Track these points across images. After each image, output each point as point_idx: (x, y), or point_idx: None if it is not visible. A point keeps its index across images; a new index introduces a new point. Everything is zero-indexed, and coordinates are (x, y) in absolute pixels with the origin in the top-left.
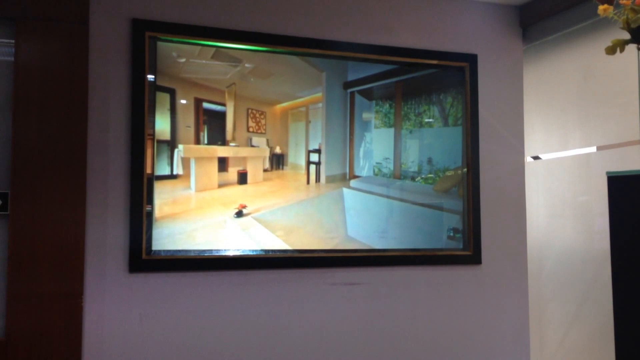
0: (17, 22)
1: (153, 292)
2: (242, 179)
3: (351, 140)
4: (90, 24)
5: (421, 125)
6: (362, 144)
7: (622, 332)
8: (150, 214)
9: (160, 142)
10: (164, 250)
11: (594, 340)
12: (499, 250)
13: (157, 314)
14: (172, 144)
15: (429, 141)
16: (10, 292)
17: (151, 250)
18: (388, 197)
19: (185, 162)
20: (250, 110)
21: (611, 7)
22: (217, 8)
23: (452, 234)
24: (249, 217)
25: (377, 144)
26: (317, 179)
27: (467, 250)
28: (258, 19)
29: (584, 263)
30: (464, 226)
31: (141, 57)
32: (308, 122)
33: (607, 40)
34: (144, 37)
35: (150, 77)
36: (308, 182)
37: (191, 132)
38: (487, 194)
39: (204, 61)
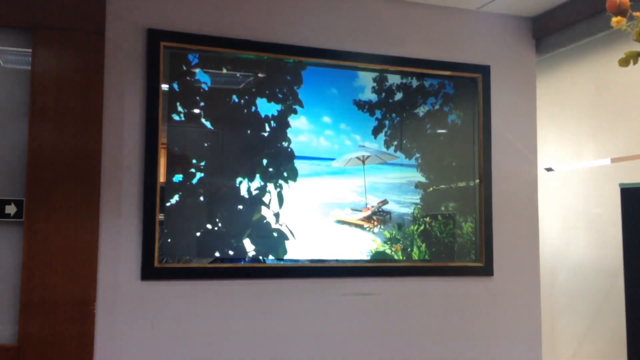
0: (34, 31)
1: (165, 300)
2: None
3: None
4: (106, 34)
5: None
6: None
7: (635, 345)
8: (162, 223)
9: None
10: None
11: (607, 353)
12: (511, 262)
13: (168, 322)
14: None
15: None
16: (23, 299)
17: (163, 259)
18: None
19: None
20: None
21: (624, 19)
22: (232, 18)
23: None
24: None
25: None
26: None
27: (479, 261)
28: (273, 29)
29: (597, 275)
30: (476, 238)
31: (156, 67)
32: None
33: (621, 52)
34: (159, 47)
35: (164, 86)
36: None
37: None
38: (500, 206)
39: None
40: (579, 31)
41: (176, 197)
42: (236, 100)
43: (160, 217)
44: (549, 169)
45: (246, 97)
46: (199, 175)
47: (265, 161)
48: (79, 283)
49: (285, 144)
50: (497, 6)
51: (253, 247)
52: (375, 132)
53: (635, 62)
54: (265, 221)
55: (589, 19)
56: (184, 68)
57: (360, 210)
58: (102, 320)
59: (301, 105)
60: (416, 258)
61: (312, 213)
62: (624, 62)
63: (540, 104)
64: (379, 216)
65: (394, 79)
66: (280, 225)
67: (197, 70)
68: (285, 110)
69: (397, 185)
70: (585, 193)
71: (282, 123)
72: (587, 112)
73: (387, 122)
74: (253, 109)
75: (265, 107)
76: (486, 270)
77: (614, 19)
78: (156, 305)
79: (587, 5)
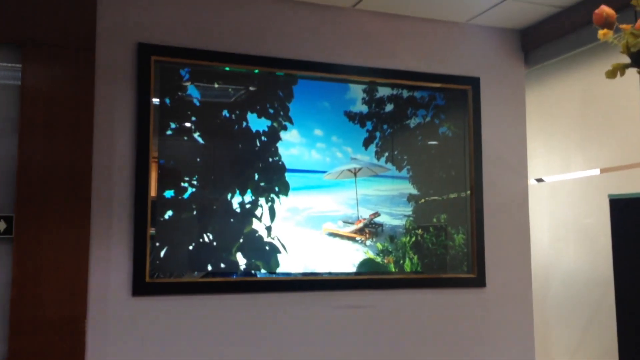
0: (24, 46)
1: (156, 315)
2: None
3: None
4: (96, 49)
5: None
6: None
7: (626, 354)
8: (154, 237)
9: None
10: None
11: None
12: (504, 273)
13: (160, 337)
14: None
15: None
16: (13, 315)
17: (155, 274)
18: None
19: None
20: None
21: (611, 32)
22: (223, 32)
23: None
24: None
25: None
26: None
27: (472, 273)
28: (263, 42)
29: (589, 286)
30: (468, 249)
31: (147, 81)
32: None
33: (608, 64)
34: (150, 61)
35: (155, 100)
36: None
37: None
38: (491, 217)
39: None
40: (567, 43)
41: (168, 212)
42: (227, 115)
43: (152, 231)
44: (539, 180)
45: (237, 111)
46: (190, 189)
47: (256, 175)
48: (70, 299)
49: (276, 158)
50: (486, 19)
51: (245, 260)
52: (366, 143)
53: (622, 74)
54: (257, 235)
55: (576, 32)
56: (175, 82)
57: (353, 223)
58: (93, 336)
59: (291, 122)
60: (408, 270)
61: (304, 226)
62: (611, 74)
63: (530, 116)
64: (371, 228)
65: (384, 91)
66: (272, 238)
67: (188, 85)
68: (276, 126)
69: (389, 198)
70: (575, 203)
71: (273, 137)
72: (575, 123)
73: (377, 134)
74: (244, 124)
75: (256, 122)
76: (478, 281)
77: (601, 32)
78: (147, 321)
79: (574, 17)
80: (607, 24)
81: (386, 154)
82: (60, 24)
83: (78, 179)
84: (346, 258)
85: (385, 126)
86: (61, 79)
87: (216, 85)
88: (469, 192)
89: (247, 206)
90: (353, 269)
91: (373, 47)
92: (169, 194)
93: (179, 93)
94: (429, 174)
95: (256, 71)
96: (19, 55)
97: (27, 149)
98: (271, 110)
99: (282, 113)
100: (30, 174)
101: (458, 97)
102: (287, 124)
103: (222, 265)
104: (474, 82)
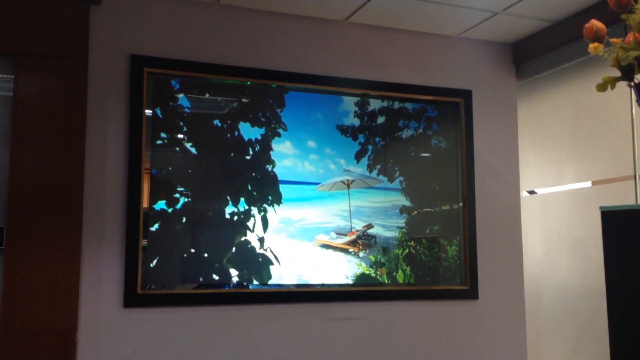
0: (16, 57)
1: (148, 327)
2: None
3: None
4: (89, 60)
5: None
6: None
7: None
8: (145, 249)
9: None
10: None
11: None
12: (496, 285)
13: (151, 349)
14: None
15: None
16: (3, 328)
17: (147, 285)
18: None
19: None
20: None
21: (601, 45)
22: (215, 44)
23: None
24: None
25: None
26: None
27: (464, 285)
28: (255, 55)
29: (581, 298)
30: (461, 261)
31: (139, 92)
32: None
33: (599, 77)
34: (143, 72)
35: (148, 111)
36: None
37: None
38: (483, 229)
39: None
40: (558, 57)
41: (160, 223)
42: (219, 124)
43: (144, 242)
44: (531, 192)
45: (229, 121)
46: (182, 200)
47: (249, 185)
48: (60, 311)
49: (269, 168)
50: (478, 33)
51: (237, 272)
52: (358, 156)
53: (612, 87)
54: (249, 245)
55: (567, 45)
56: (167, 93)
57: (345, 235)
58: (84, 349)
59: (285, 129)
60: (401, 282)
61: (296, 237)
62: (602, 87)
63: (522, 128)
64: (364, 240)
65: (376, 103)
66: (265, 249)
67: (180, 96)
68: (269, 134)
69: (382, 209)
70: (567, 215)
71: (265, 147)
72: (567, 135)
73: (370, 147)
74: (236, 133)
75: (249, 131)
76: (471, 293)
77: (591, 45)
78: (139, 333)
79: (565, 31)
80: (598, 37)
81: (379, 166)
82: (53, 36)
83: (70, 190)
84: (339, 270)
85: (377, 138)
86: (54, 90)
87: (207, 96)
88: (461, 204)
89: (240, 216)
90: (346, 281)
91: (366, 59)
92: (161, 205)
93: (171, 103)
94: (421, 186)
95: (248, 83)
96: (12, 66)
97: (19, 160)
98: (263, 119)
99: (274, 120)
100: (22, 185)
101: (450, 109)
102: (280, 130)
103: (214, 277)
104: (466, 95)
